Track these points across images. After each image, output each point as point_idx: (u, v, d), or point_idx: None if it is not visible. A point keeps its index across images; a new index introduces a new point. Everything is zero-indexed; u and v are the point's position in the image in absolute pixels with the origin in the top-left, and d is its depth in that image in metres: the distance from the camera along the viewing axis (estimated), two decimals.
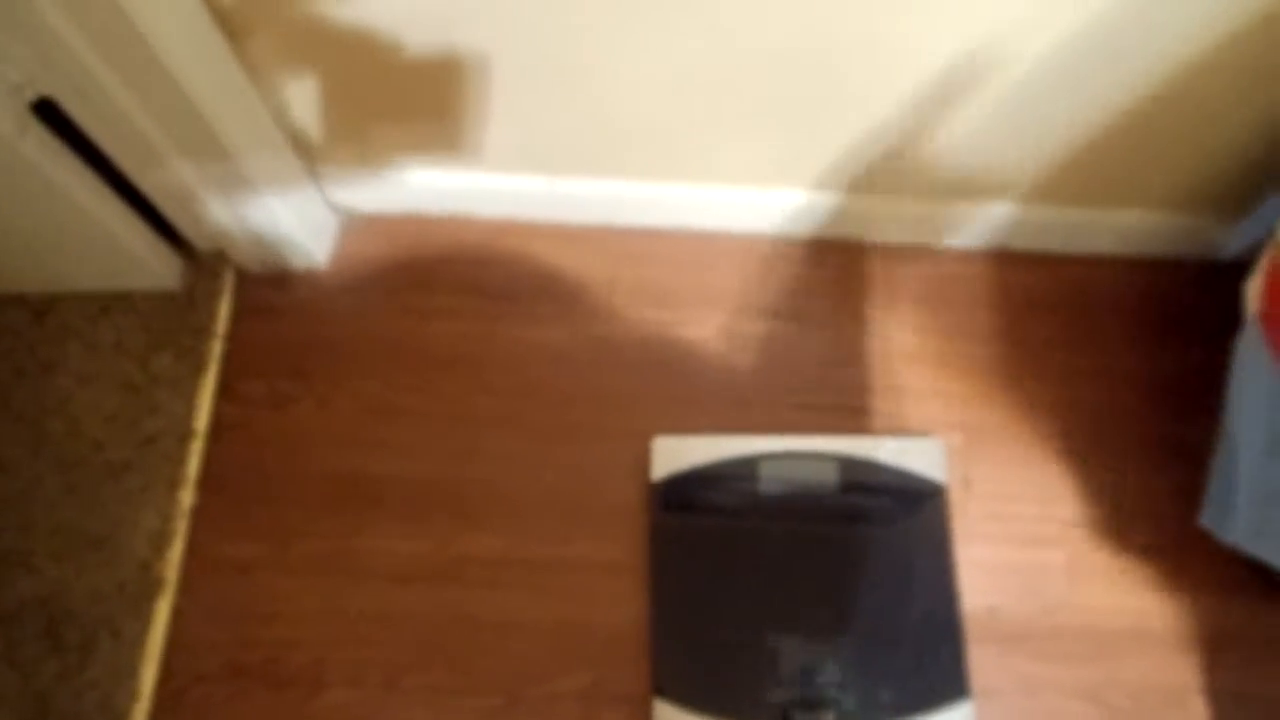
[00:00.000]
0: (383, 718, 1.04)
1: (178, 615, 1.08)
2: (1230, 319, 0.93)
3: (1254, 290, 0.90)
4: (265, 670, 1.06)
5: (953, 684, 1.05)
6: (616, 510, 1.12)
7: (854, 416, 1.17)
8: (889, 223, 1.22)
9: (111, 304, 1.19)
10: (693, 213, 1.23)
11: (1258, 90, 0.96)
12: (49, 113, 0.95)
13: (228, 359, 1.19)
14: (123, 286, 1.19)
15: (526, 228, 1.26)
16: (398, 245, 1.26)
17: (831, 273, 1.25)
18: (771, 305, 1.23)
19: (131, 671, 1.04)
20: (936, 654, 1.06)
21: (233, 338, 1.21)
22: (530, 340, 1.21)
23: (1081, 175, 1.10)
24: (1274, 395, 0.87)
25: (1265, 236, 0.92)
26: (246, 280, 1.24)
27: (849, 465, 1.13)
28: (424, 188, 1.21)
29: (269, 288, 1.23)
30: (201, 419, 1.15)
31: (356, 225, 1.27)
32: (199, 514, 1.12)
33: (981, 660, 1.06)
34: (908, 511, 1.12)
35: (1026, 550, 1.11)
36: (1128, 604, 1.09)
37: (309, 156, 1.15)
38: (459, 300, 1.23)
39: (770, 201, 1.20)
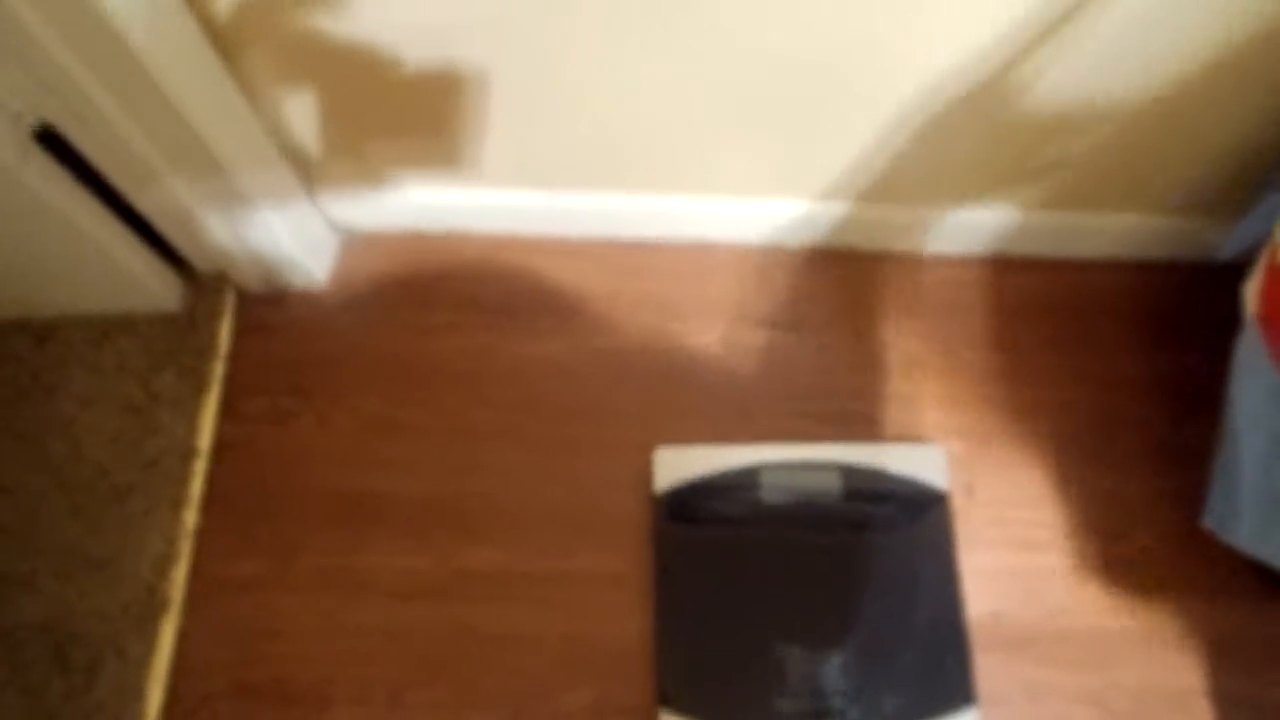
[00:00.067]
0: None
1: (183, 636, 1.08)
2: (1227, 321, 0.93)
3: (1252, 291, 0.90)
4: (271, 689, 1.06)
5: (958, 691, 1.05)
6: (619, 522, 1.12)
7: (855, 424, 1.17)
8: (887, 231, 1.23)
9: (113, 327, 1.20)
10: (692, 224, 1.24)
11: (1252, 90, 0.96)
12: (48, 138, 0.96)
13: (229, 379, 1.20)
14: (124, 309, 1.20)
15: (526, 242, 1.26)
16: (397, 262, 1.26)
17: (831, 281, 1.25)
18: (772, 315, 1.23)
19: (138, 693, 1.04)
20: (942, 661, 1.06)
21: (234, 357, 1.21)
22: (530, 354, 1.21)
23: (1078, 179, 1.11)
24: (1274, 396, 0.87)
25: (1262, 237, 0.92)
26: (247, 300, 1.24)
27: (851, 473, 1.13)
28: (423, 204, 1.22)
29: (269, 307, 1.24)
30: (204, 439, 1.16)
31: (356, 243, 1.27)
32: (202, 533, 1.12)
33: (986, 666, 1.06)
34: (911, 519, 1.12)
35: (1029, 555, 1.11)
36: (1130, 608, 1.09)
37: (307, 174, 1.16)
38: (459, 316, 1.23)
39: (769, 212, 1.20)
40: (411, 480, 1.15)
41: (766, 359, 1.21)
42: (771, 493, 1.12)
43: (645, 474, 1.14)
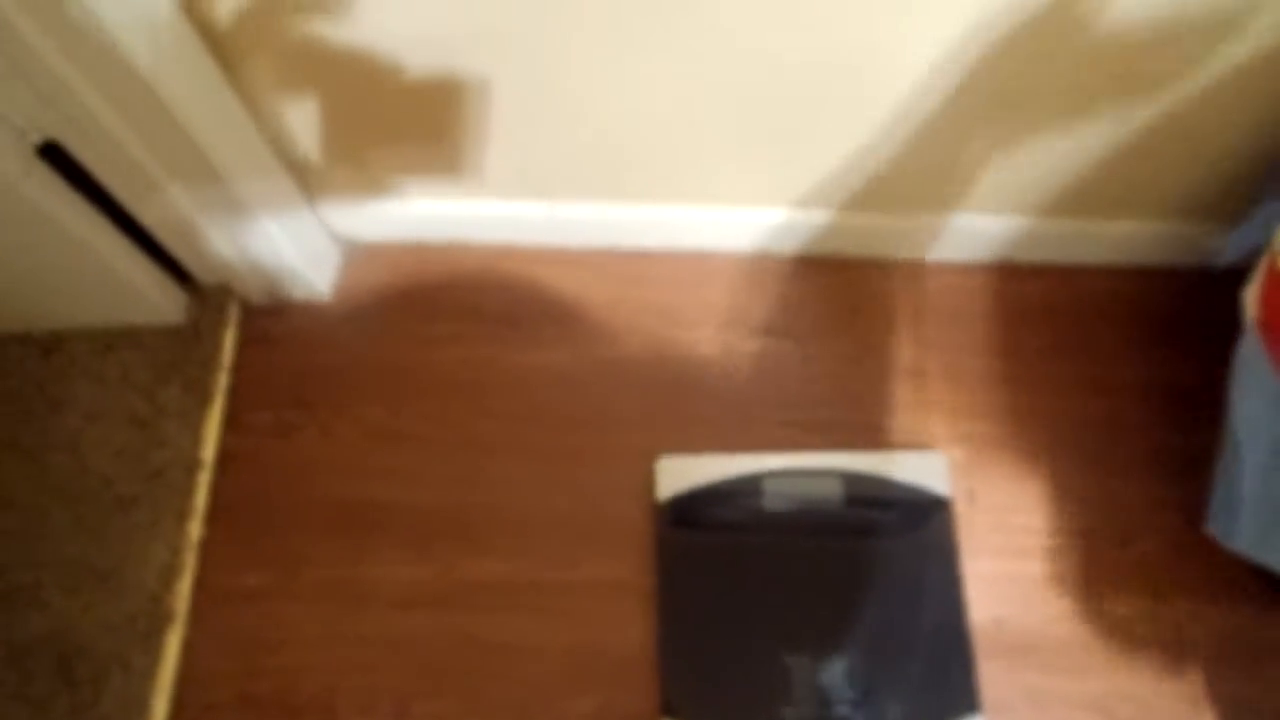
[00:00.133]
0: None
1: (188, 647, 1.08)
2: (1227, 326, 0.92)
3: (1252, 297, 0.89)
4: (276, 700, 1.06)
5: (963, 698, 1.05)
6: (622, 531, 1.13)
7: (857, 432, 1.17)
8: (887, 238, 1.23)
9: (117, 339, 1.20)
10: (692, 233, 1.24)
11: (1252, 97, 0.96)
12: (51, 152, 0.96)
13: (233, 390, 1.20)
14: (128, 322, 1.20)
15: (527, 253, 1.26)
16: (399, 273, 1.27)
17: (832, 289, 1.25)
18: (773, 323, 1.23)
19: (143, 705, 1.04)
20: (946, 668, 1.06)
21: (238, 369, 1.22)
22: (532, 364, 1.21)
23: (1078, 186, 1.11)
24: (1275, 401, 0.87)
25: (1261, 243, 0.92)
26: (251, 312, 1.25)
27: (854, 480, 1.13)
28: (424, 215, 1.22)
29: (273, 318, 1.24)
30: (208, 450, 1.16)
31: (358, 255, 1.28)
32: (206, 545, 1.13)
33: (989, 673, 1.06)
34: (914, 525, 1.12)
35: (1032, 562, 1.11)
36: (1133, 613, 1.09)
37: (308, 184, 1.16)
38: (461, 326, 1.24)
39: (769, 220, 1.20)
40: (415, 490, 1.15)
41: (768, 366, 1.21)
42: (774, 500, 1.12)
43: (648, 482, 1.14)
